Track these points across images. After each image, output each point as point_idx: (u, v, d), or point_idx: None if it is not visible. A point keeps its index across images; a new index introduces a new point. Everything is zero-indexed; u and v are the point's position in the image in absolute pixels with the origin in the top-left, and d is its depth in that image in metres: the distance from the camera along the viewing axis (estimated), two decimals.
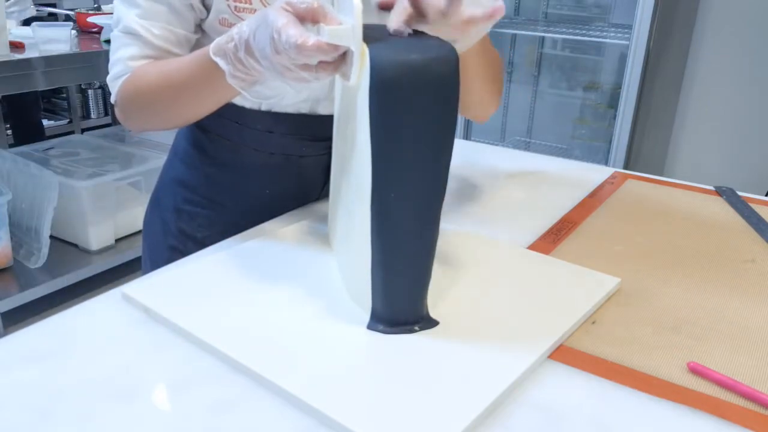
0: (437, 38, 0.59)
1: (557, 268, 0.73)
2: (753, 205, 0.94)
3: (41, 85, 1.91)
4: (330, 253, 0.76)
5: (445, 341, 0.59)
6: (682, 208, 0.94)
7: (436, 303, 0.64)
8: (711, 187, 1.02)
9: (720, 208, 0.94)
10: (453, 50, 0.54)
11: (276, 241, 0.79)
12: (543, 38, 2.49)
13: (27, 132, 2.97)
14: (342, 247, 0.71)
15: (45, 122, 3.33)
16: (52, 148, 2.44)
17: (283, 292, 0.67)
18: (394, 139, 0.54)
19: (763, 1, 2.06)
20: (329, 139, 0.83)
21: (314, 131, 0.88)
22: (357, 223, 0.61)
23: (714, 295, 0.71)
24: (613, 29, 2.16)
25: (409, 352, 0.58)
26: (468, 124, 2.32)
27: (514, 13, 2.50)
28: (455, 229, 0.82)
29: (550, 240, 0.82)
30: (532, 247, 0.81)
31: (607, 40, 2.12)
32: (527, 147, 2.57)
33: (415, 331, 0.61)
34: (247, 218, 0.87)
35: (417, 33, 0.62)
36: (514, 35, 2.52)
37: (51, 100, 3.83)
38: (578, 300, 0.66)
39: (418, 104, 0.53)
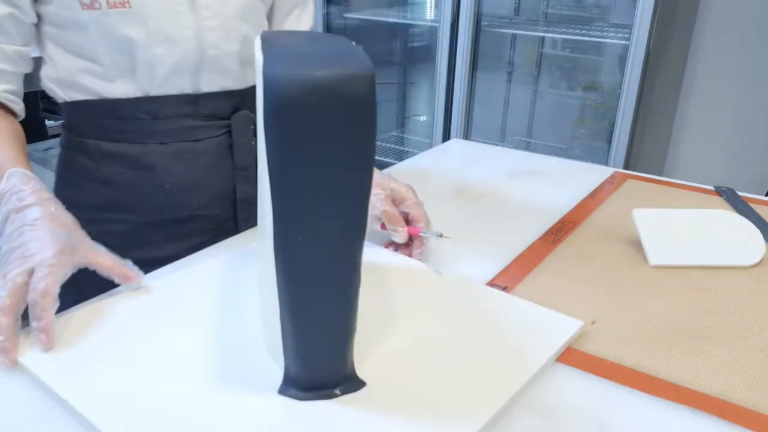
0: (350, 44, 0.50)
1: (514, 311, 0.65)
2: (753, 205, 0.94)
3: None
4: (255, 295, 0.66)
5: (373, 407, 0.50)
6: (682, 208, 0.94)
7: (368, 355, 0.56)
8: (711, 187, 1.02)
9: (720, 208, 0.94)
10: (368, 64, 0.45)
11: (195, 276, 0.70)
12: (543, 38, 2.49)
13: (30, 131, 2.96)
14: (260, 294, 0.62)
15: (45, 122, 3.34)
16: (52, 148, 2.44)
17: (186, 342, 0.58)
18: (295, 171, 0.45)
19: (763, 1, 2.06)
20: (225, 118, 0.84)
21: (204, 109, 0.83)
22: (267, 269, 0.52)
23: (714, 294, 0.71)
24: (613, 29, 2.15)
25: (328, 423, 0.49)
26: (468, 123, 2.32)
27: (514, 13, 2.50)
28: (404, 264, 0.75)
29: (550, 240, 0.82)
30: (532, 247, 0.81)
31: (607, 40, 2.12)
32: (527, 147, 2.57)
33: (336, 395, 0.51)
34: (158, 217, 0.84)
35: (326, 36, 0.56)
36: (514, 35, 2.52)
37: (51, 100, 3.82)
38: (531, 355, 0.57)
39: (325, 131, 0.44)
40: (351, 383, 0.53)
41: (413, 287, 0.70)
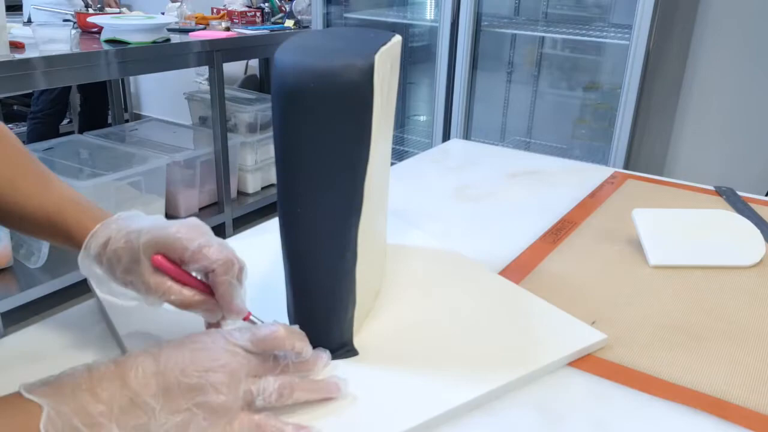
0: (378, 40, 0.54)
1: (527, 305, 0.66)
2: (753, 205, 0.94)
3: (41, 85, 1.91)
4: None
5: (361, 372, 0.54)
6: (682, 209, 0.94)
7: (372, 328, 0.60)
8: (711, 187, 1.02)
9: (720, 208, 0.94)
10: (369, 56, 0.49)
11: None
12: (543, 38, 2.49)
13: (93, 120, 3.26)
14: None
15: None
16: (52, 148, 2.44)
17: None
18: (296, 149, 0.50)
19: (763, 1, 2.06)
20: None
21: None
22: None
23: (714, 294, 0.71)
24: (613, 29, 2.15)
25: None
26: (468, 123, 2.32)
27: (514, 13, 2.50)
28: (424, 245, 0.78)
29: (550, 240, 0.82)
30: (532, 246, 0.81)
31: (607, 40, 2.12)
32: (527, 147, 2.57)
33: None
34: None
35: (359, 31, 0.59)
36: (514, 35, 2.52)
37: None
38: (538, 352, 0.58)
39: (322, 114, 0.49)
40: (344, 351, 0.57)
41: (435, 269, 0.73)
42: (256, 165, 2.84)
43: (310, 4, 2.59)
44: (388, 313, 0.63)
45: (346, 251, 0.54)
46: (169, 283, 0.52)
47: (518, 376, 0.55)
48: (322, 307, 0.56)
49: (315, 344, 0.55)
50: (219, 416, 0.45)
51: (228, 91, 2.71)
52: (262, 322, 0.54)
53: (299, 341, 0.50)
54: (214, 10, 2.92)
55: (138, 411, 0.43)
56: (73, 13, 2.47)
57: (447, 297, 0.67)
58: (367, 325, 0.61)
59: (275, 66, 0.49)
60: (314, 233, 0.53)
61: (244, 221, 2.73)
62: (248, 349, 0.48)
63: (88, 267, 0.55)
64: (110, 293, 0.56)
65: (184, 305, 0.52)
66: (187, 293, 0.52)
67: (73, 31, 2.12)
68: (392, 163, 1.18)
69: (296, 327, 0.53)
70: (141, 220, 0.55)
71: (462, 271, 0.73)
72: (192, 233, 0.52)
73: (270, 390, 0.47)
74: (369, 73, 0.48)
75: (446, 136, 2.30)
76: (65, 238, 0.57)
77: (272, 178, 2.96)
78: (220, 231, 2.64)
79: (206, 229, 0.54)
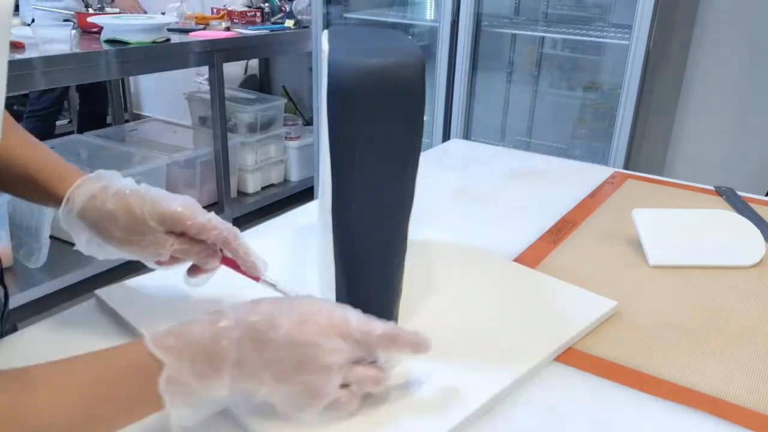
0: (408, 39, 0.56)
1: (546, 285, 0.70)
2: (753, 205, 0.94)
3: (41, 85, 1.91)
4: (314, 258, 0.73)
5: (410, 362, 0.55)
6: (682, 209, 0.94)
7: (410, 318, 0.62)
8: (711, 187, 1.02)
9: (720, 208, 0.94)
10: (419, 54, 0.51)
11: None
12: (543, 38, 2.49)
13: (92, 119, 3.22)
14: (318, 259, 0.68)
15: None
16: (53, 147, 2.44)
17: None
18: (351, 147, 0.52)
19: (763, 1, 2.06)
20: None
21: None
22: (323, 234, 0.59)
23: (714, 294, 0.71)
24: (613, 29, 2.15)
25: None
26: (468, 123, 2.32)
27: (514, 13, 2.50)
28: (444, 240, 0.80)
29: (551, 240, 0.82)
30: (533, 246, 0.81)
31: (607, 40, 2.11)
32: (527, 147, 2.57)
33: None
34: None
35: (387, 33, 0.60)
36: (514, 35, 2.52)
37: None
38: (564, 324, 0.62)
39: (377, 111, 0.50)
40: None
41: (458, 262, 0.75)
42: (256, 165, 2.84)
43: (310, 4, 2.59)
44: (417, 302, 0.65)
45: (398, 244, 0.56)
46: (174, 239, 0.58)
47: (553, 350, 0.59)
48: (376, 298, 0.57)
49: None
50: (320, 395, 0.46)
51: (228, 91, 2.71)
52: (275, 284, 0.59)
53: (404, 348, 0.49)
54: (214, 10, 2.92)
55: (247, 380, 0.44)
56: (73, 13, 2.47)
57: (471, 285, 0.70)
58: (402, 316, 0.62)
59: (329, 66, 0.50)
60: (369, 228, 0.54)
61: (244, 221, 2.73)
62: (358, 340, 0.47)
63: (70, 220, 0.59)
64: (88, 246, 0.60)
65: (189, 253, 0.58)
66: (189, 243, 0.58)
67: (73, 31, 2.12)
68: None
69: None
70: (124, 182, 0.61)
71: (477, 261, 0.76)
72: (191, 210, 0.58)
73: (363, 379, 0.48)
74: (421, 69, 0.50)
75: (446, 136, 2.30)
76: (43, 191, 0.60)
77: (272, 178, 2.96)
78: None
79: (200, 206, 0.59)
